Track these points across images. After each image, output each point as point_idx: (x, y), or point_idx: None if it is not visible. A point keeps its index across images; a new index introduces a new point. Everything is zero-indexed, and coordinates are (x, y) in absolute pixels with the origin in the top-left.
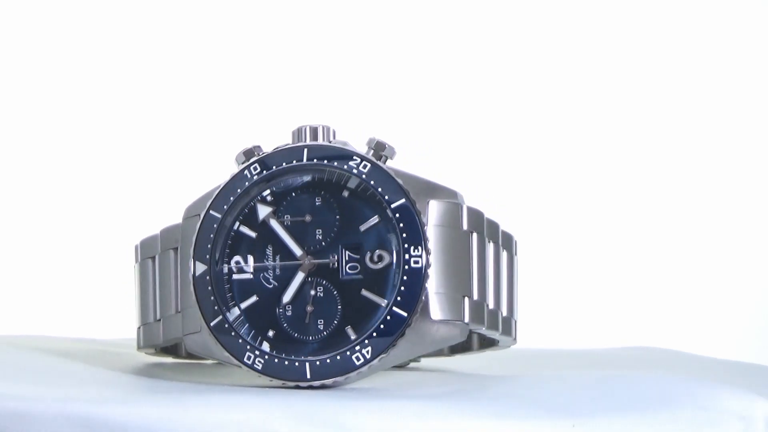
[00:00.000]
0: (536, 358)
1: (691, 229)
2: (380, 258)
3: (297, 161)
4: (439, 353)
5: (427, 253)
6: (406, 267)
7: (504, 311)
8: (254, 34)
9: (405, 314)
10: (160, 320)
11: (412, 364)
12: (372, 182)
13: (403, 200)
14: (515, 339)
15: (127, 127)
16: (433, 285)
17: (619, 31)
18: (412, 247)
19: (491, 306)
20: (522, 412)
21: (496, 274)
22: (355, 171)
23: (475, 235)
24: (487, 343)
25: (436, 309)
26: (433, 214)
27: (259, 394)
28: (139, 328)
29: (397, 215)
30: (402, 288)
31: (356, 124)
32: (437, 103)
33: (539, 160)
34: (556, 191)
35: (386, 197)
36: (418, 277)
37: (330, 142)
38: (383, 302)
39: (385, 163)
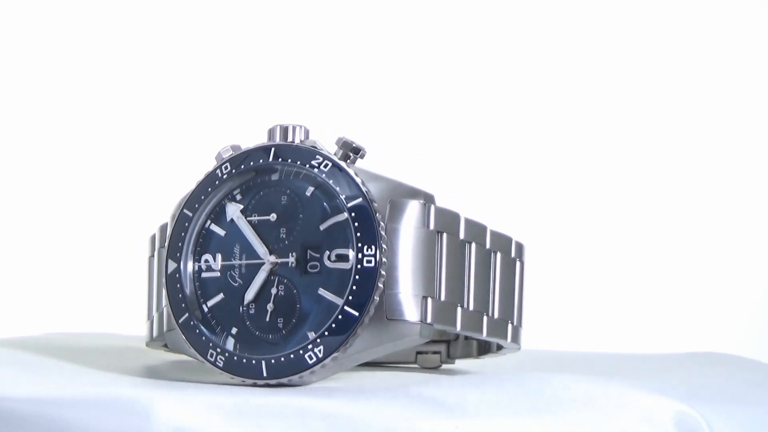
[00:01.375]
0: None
1: (690, 231)
2: (337, 257)
3: (264, 161)
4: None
5: (382, 252)
6: (359, 266)
7: (496, 315)
8: (254, 34)
9: (357, 314)
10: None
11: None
12: (331, 181)
13: (359, 200)
14: (518, 344)
15: (138, 125)
16: (390, 285)
17: (619, 32)
18: (365, 247)
19: (473, 308)
20: (406, 413)
21: (482, 276)
22: (316, 170)
23: (445, 235)
24: (483, 349)
25: (392, 309)
26: (395, 213)
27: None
28: (146, 322)
29: (353, 214)
30: (354, 287)
31: (360, 126)
32: (440, 108)
33: (540, 163)
34: (554, 193)
35: (343, 196)
36: (371, 277)
37: (300, 142)
38: (339, 301)
39: (354, 162)
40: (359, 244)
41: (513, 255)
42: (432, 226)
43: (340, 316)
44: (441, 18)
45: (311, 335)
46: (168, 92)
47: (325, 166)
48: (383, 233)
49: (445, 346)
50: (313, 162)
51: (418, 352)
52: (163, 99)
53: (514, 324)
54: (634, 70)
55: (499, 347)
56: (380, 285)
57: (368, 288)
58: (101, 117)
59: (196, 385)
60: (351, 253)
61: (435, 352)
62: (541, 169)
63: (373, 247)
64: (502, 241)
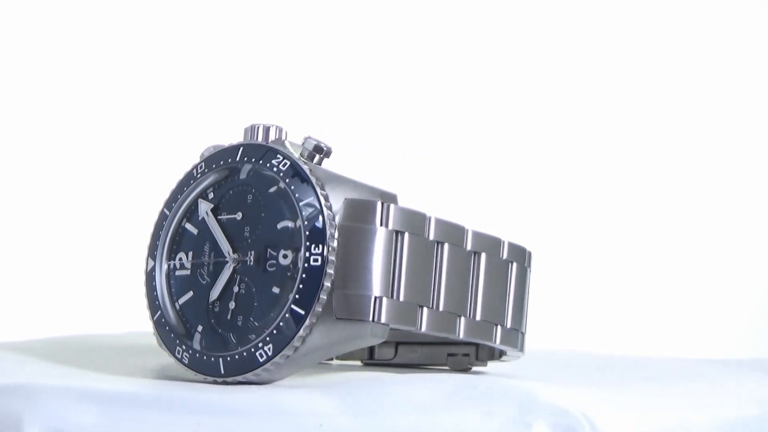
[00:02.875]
0: None
1: (690, 232)
2: (289, 256)
3: (232, 160)
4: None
5: (329, 251)
6: (306, 265)
7: (478, 317)
8: (251, 35)
9: (302, 312)
10: None
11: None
12: (287, 180)
13: (311, 198)
14: (512, 347)
15: (140, 125)
16: (340, 284)
17: (620, 35)
18: (313, 245)
19: (444, 309)
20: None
21: (456, 277)
22: (275, 170)
23: (407, 235)
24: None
25: (342, 308)
26: (349, 213)
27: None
28: None
29: (304, 213)
30: (301, 286)
31: (359, 127)
32: (441, 110)
33: (541, 167)
34: (552, 195)
35: (296, 195)
36: (317, 275)
37: (270, 141)
38: (287, 300)
39: (321, 161)
40: (307, 243)
41: (505, 257)
42: (390, 226)
43: (287, 315)
44: (441, 19)
45: (262, 333)
46: (169, 93)
47: (284, 166)
48: (334, 232)
49: (474, 349)
50: (274, 161)
51: (449, 354)
52: (163, 99)
53: (506, 327)
54: (632, 75)
55: (502, 353)
56: (327, 284)
57: (314, 286)
58: (101, 117)
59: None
60: (300, 252)
61: (465, 354)
62: (540, 172)
63: (320, 245)
64: (488, 243)
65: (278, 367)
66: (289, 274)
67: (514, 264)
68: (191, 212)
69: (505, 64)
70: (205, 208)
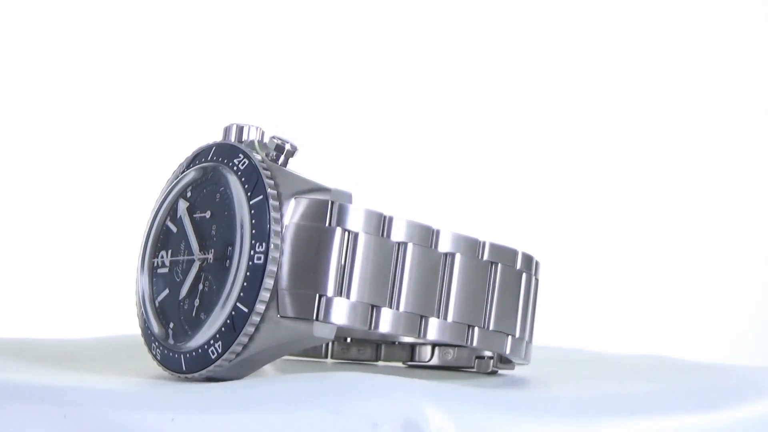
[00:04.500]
0: None
1: (688, 233)
2: (239, 254)
3: (205, 159)
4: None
5: (270, 249)
6: (250, 263)
7: (450, 318)
8: (255, 36)
9: (246, 310)
10: None
11: None
12: (243, 179)
13: (260, 197)
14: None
15: (141, 125)
16: (284, 282)
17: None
18: (257, 244)
19: (404, 309)
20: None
21: (420, 277)
22: (235, 168)
23: (361, 234)
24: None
25: (285, 306)
26: (297, 211)
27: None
28: None
29: (252, 212)
30: (245, 284)
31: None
32: (442, 111)
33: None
34: (552, 197)
35: (249, 194)
36: (260, 274)
37: (242, 141)
38: (234, 298)
39: (286, 161)
40: (252, 241)
41: (485, 258)
42: (341, 225)
43: (233, 313)
44: (441, 19)
45: (212, 331)
46: (171, 94)
47: (243, 164)
48: (279, 230)
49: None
50: (236, 161)
51: (477, 357)
52: (163, 100)
53: (488, 329)
54: (630, 76)
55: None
56: (270, 282)
57: (256, 285)
58: (101, 117)
59: None
60: (245, 250)
61: (490, 357)
62: (537, 172)
63: (263, 244)
64: (464, 244)
65: (231, 364)
66: (236, 271)
67: (497, 265)
68: (174, 211)
69: (505, 64)
70: (182, 206)
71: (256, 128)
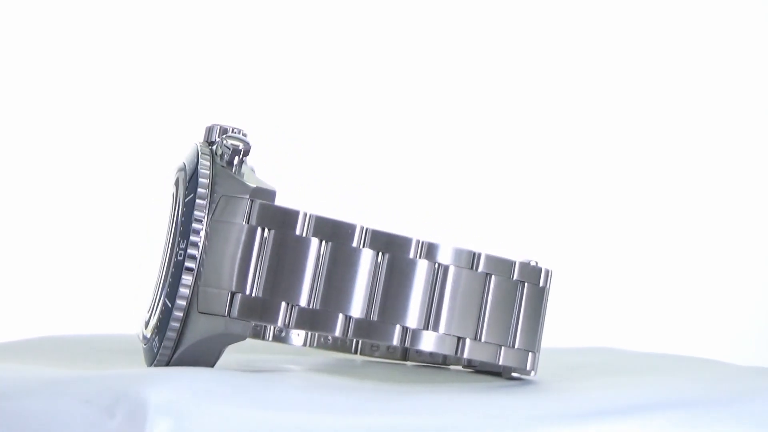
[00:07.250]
0: None
1: (688, 234)
2: (165, 251)
3: (183, 159)
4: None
5: (189, 245)
6: (175, 260)
7: (374, 317)
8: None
9: (170, 305)
10: None
11: None
12: (187, 179)
13: (191, 195)
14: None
15: (144, 126)
16: (202, 279)
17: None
18: (182, 241)
19: (321, 307)
20: None
21: (341, 275)
22: (187, 169)
23: (274, 231)
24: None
25: (202, 303)
26: (223, 209)
27: None
28: None
29: (184, 209)
30: (170, 280)
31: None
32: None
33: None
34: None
35: (185, 193)
36: (179, 270)
37: (209, 142)
38: (162, 294)
39: (241, 160)
40: (178, 238)
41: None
42: (252, 222)
43: (163, 308)
44: (442, 21)
45: (153, 325)
46: (172, 95)
47: (196, 164)
48: (201, 227)
49: None
50: (197, 160)
51: None
52: (163, 100)
53: (439, 332)
54: (630, 78)
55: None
56: (187, 278)
57: (177, 281)
58: (101, 117)
59: None
60: (173, 248)
61: None
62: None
63: (185, 241)
64: (397, 243)
65: (170, 359)
66: (166, 268)
67: (452, 267)
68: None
69: (511, 64)
70: (170, 203)
71: (232, 129)
